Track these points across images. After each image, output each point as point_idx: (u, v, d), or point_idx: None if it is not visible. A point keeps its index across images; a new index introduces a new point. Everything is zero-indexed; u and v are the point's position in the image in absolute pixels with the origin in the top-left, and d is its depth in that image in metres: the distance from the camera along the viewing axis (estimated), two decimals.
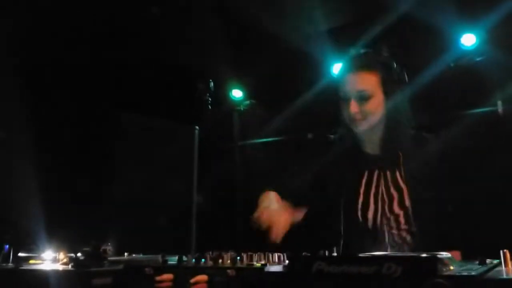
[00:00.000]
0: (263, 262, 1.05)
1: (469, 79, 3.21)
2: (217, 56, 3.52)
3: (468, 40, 3.30)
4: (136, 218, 1.91)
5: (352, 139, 1.89)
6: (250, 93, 4.20)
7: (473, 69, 3.26)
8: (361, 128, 1.80)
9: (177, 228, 2.06)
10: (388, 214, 1.75)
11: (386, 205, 1.78)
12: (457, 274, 0.76)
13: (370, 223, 1.76)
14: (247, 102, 4.17)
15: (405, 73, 1.84)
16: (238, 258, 1.08)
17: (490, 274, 0.78)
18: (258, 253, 1.25)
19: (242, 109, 4.19)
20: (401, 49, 3.26)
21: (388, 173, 1.80)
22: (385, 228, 1.75)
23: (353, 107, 1.76)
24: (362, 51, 1.87)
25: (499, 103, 3.19)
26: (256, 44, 3.74)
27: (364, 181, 1.83)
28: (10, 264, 1.31)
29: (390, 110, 1.80)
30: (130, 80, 3.21)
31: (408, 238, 1.72)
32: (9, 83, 2.42)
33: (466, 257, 1.08)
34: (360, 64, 1.80)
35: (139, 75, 3.28)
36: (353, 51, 1.89)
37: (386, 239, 1.74)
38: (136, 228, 1.85)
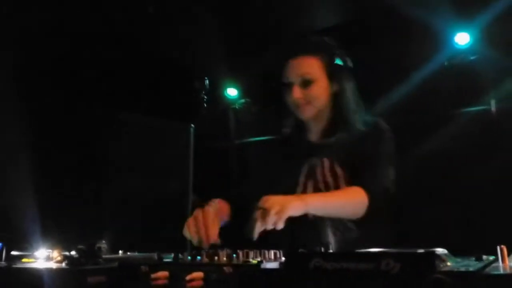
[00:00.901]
0: (259, 259, 1.05)
1: (463, 78, 3.22)
2: (212, 55, 3.51)
3: (462, 39, 3.31)
4: (131, 217, 1.90)
5: (299, 128, 1.86)
6: (245, 92, 4.19)
7: (466, 68, 3.27)
8: (306, 114, 1.77)
9: (172, 227, 2.05)
10: None
11: None
12: (456, 270, 0.76)
13: (310, 216, 1.64)
14: (242, 100, 4.16)
15: (350, 60, 1.80)
16: (234, 255, 1.07)
17: (488, 269, 0.78)
18: (254, 250, 1.25)
19: (237, 107, 4.18)
20: (395, 49, 3.31)
21: (325, 160, 1.75)
22: (325, 221, 1.66)
23: (296, 92, 1.73)
24: (304, 36, 1.85)
25: (493, 102, 3.20)
26: (251, 43, 3.73)
27: (304, 170, 1.78)
28: (3, 263, 1.30)
29: (336, 97, 1.77)
30: (125, 78, 3.20)
31: (350, 224, 1.65)
32: (4, 82, 2.40)
33: (461, 254, 1.07)
34: (302, 48, 1.77)
35: (134, 74, 3.27)
36: (294, 37, 1.86)
37: (328, 228, 1.68)
38: (131, 227, 1.84)
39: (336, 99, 1.77)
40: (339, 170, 1.72)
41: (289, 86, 1.76)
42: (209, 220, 1.43)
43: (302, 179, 1.77)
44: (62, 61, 2.98)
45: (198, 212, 1.47)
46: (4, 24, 2.63)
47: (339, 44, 1.84)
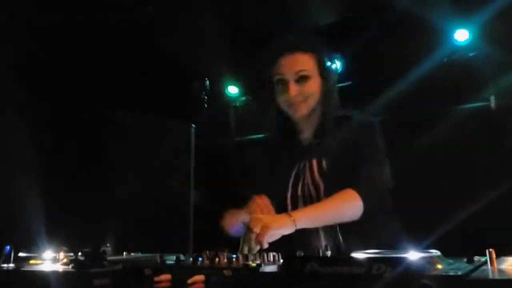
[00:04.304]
0: (258, 261, 1.08)
1: (462, 74, 3.24)
2: (212, 53, 3.53)
3: (461, 35, 3.33)
4: (134, 217, 1.94)
5: (288, 130, 1.83)
6: (245, 90, 4.22)
7: (466, 65, 3.29)
8: (300, 112, 1.74)
9: (174, 226, 2.09)
10: None
11: (313, 196, 1.70)
12: (443, 274, 0.80)
13: None
14: (243, 98, 4.18)
15: (336, 58, 1.83)
16: (234, 256, 1.10)
17: (476, 273, 0.82)
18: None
19: (238, 105, 4.21)
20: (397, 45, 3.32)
21: (314, 161, 1.74)
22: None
23: (292, 89, 1.70)
24: (294, 33, 1.80)
25: (492, 98, 3.22)
26: (251, 40, 3.75)
27: (293, 173, 1.77)
28: (11, 265, 1.34)
29: (326, 96, 1.76)
30: (125, 78, 3.22)
31: (338, 229, 1.65)
32: (5, 83, 2.43)
33: (454, 255, 1.10)
34: (295, 45, 1.74)
35: (135, 74, 3.29)
36: (284, 35, 1.80)
37: (321, 233, 1.68)
38: (135, 227, 1.87)
39: (326, 98, 1.76)
40: (328, 171, 1.70)
41: (283, 83, 1.73)
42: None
43: (291, 182, 1.76)
44: (64, 62, 3.00)
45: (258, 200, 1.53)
46: (6, 23, 2.65)
47: (331, 43, 1.84)
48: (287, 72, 1.72)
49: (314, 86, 1.73)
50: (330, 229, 1.66)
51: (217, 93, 3.98)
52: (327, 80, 1.76)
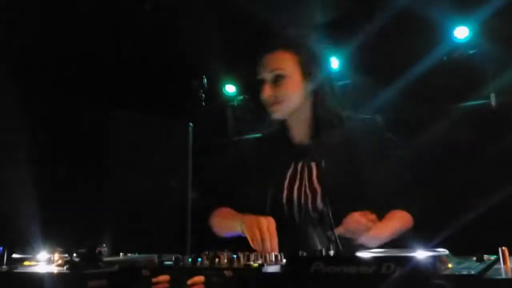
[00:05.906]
0: (260, 261, 1.05)
1: (462, 72, 3.22)
2: (210, 52, 3.50)
3: (461, 33, 3.31)
4: (131, 217, 1.90)
5: (280, 128, 1.75)
6: (243, 89, 4.19)
7: (466, 62, 3.27)
8: (276, 114, 1.66)
9: (172, 226, 2.05)
10: (311, 212, 1.61)
11: (309, 201, 1.62)
12: (457, 273, 0.76)
13: (296, 220, 1.62)
14: (240, 97, 4.16)
15: (330, 56, 1.72)
16: (235, 256, 1.07)
17: (490, 272, 0.78)
18: (255, 252, 1.24)
19: (235, 104, 4.18)
20: (394, 42, 3.30)
21: (312, 164, 1.66)
22: (310, 226, 1.60)
23: (266, 90, 1.62)
24: (279, 31, 1.75)
25: (492, 95, 3.20)
26: (248, 39, 3.72)
27: (289, 174, 1.68)
28: (4, 267, 1.30)
29: (315, 95, 1.66)
30: (123, 77, 3.19)
31: (333, 237, 1.53)
32: (2, 82, 2.40)
33: (461, 253, 1.07)
34: (276, 43, 1.66)
35: (132, 72, 3.26)
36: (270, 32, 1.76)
37: (315, 238, 1.59)
38: (131, 227, 1.83)
39: (314, 97, 1.66)
40: (326, 176, 1.62)
41: (262, 82, 1.66)
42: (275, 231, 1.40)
43: (286, 182, 1.68)
44: (60, 60, 2.98)
45: (262, 222, 1.42)
46: (6, 23, 2.63)
47: (322, 39, 1.76)
48: (265, 71, 1.65)
49: (291, 86, 1.63)
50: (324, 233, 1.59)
51: (215, 92, 3.95)
52: (312, 80, 1.64)
